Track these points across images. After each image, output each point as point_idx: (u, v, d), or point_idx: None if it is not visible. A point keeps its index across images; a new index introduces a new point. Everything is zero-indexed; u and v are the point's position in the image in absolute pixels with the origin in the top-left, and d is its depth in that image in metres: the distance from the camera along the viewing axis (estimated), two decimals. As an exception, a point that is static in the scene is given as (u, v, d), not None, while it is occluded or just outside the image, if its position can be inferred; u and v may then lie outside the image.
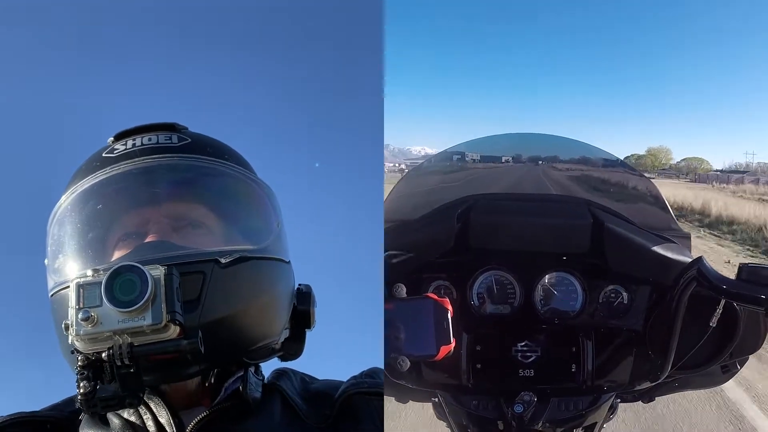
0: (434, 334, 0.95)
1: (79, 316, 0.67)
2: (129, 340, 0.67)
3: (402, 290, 0.95)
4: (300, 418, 0.84)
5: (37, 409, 0.85)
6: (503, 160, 1.60)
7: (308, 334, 0.93)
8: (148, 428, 0.77)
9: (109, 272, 0.68)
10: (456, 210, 1.16)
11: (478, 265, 1.15)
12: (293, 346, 0.91)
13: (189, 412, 0.79)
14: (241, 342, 0.80)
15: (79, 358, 0.68)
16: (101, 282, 0.68)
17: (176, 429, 0.77)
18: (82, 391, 0.67)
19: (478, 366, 1.12)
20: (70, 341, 0.69)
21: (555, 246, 1.14)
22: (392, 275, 1.06)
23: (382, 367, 0.94)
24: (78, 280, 0.69)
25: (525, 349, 1.13)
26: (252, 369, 0.85)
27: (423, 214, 1.22)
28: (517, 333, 1.14)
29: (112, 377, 0.68)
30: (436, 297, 0.96)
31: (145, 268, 0.68)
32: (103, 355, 0.67)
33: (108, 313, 0.67)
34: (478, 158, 1.59)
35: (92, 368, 0.68)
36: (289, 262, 0.90)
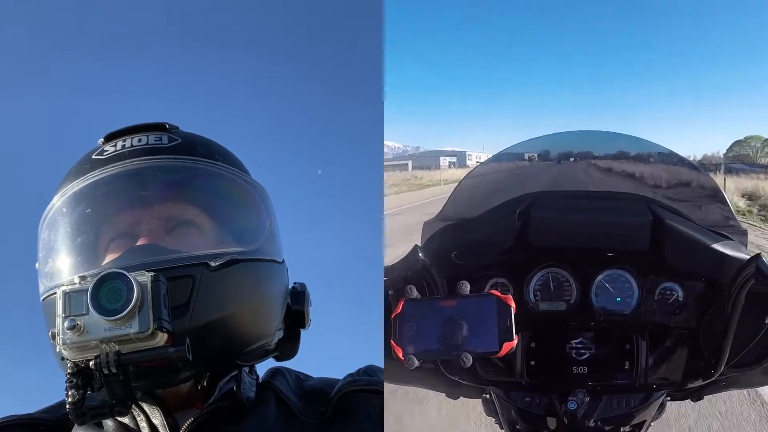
0: (497, 331, 0.94)
1: (65, 324, 0.66)
2: (116, 348, 0.67)
3: (466, 287, 0.95)
4: (295, 415, 0.83)
5: (31, 412, 0.85)
6: (526, 157, 1.56)
7: (307, 333, 0.93)
8: (142, 430, 0.77)
9: (94, 280, 0.68)
10: (517, 207, 1.16)
11: (536, 262, 1.14)
12: (288, 346, 0.91)
13: (183, 413, 0.79)
14: (232, 345, 0.80)
15: (68, 365, 0.68)
16: (87, 290, 0.67)
17: (170, 430, 0.76)
18: (70, 399, 0.67)
19: (533, 363, 1.12)
20: (57, 350, 0.68)
21: (614, 243, 1.14)
22: (455, 272, 1.05)
23: (381, 366, 0.94)
24: (64, 287, 0.69)
25: (579, 346, 1.13)
26: (246, 369, 0.85)
27: (482, 211, 1.22)
28: (572, 330, 1.13)
29: (100, 385, 0.68)
30: (499, 294, 0.95)
31: (131, 275, 0.68)
32: (91, 363, 0.67)
33: (94, 322, 0.67)
34: (497, 161, 1.53)
35: (81, 375, 0.68)
36: (282, 262, 0.89)
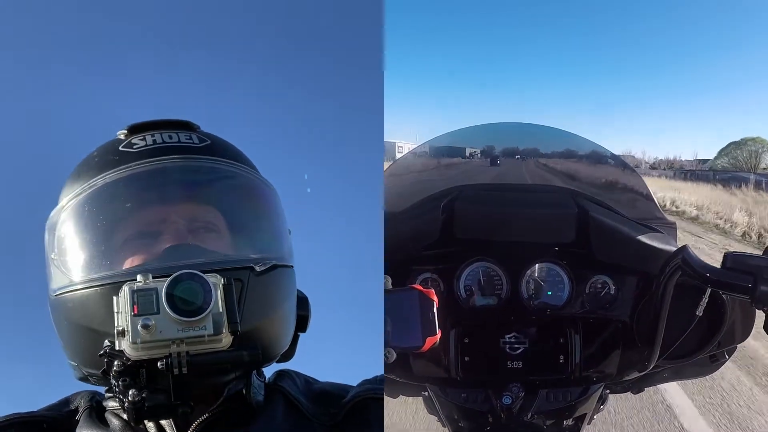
0: (420, 326, 0.94)
1: (140, 323, 0.65)
2: (185, 348, 0.67)
3: (388, 282, 0.95)
4: (304, 416, 0.83)
5: (34, 410, 0.83)
6: (467, 154, 1.55)
7: (307, 336, 0.93)
8: (149, 429, 0.77)
9: (169, 279, 0.67)
10: (441, 201, 1.16)
11: (465, 256, 1.15)
12: (288, 349, 0.91)
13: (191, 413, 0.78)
14: (268, 348, 0.80)
15: (116, 363, 0.67)
16: (156, 288, 0.67)
17: (178, 431, 0.76)
18: (131, 399, 0.66)
19: (467, 358, 1.12)
20: (121, 347, 0.67)
21: (541, 236, 1.15)
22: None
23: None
24: (131, 284, 0.68)
25: (513, 340, 1.13)
26: (254, 371, 0.85)
27: (409, 205, 1.22)
28: (505, 325, 1.14)
29: (143, 385, 0.67)
30: (421, 288, 0.96)
31: (206, 277, 0.68)
32: (159, 363, 0.66)
33: (167, 321, 0.66)
34: (427, 150, 1.48)
35: (128, 374, 0.67)
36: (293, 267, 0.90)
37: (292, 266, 0.86)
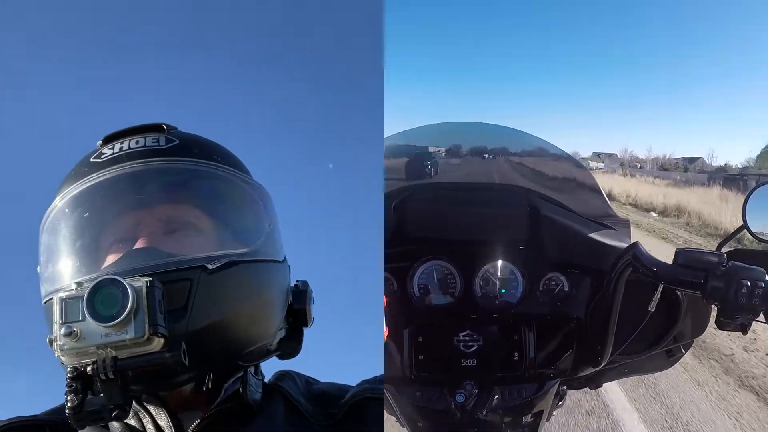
0: None
1: (62, 331, 0.67)
2: (113, 353, 0.68)
3: None
4: (305, 417, 0.83)
5: (37, 414, 0.84)
6: (429, 150, 1.53)
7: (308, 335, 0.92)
8: (148, 431, 0.77)
9: (90, 287, 0.68)
10: (393, 200, 1.16)
11: (418, 255, 1.15)
12: (290, 345, 0.90)
13: (188, 414, 0.79)
14: (232, 347, 0.79)
15: (68, 370, 0.68)
16: (83, 296, 0.68)
17: (175, 431, 0.76)
18: (69, 404, 0.68)
19: (421, 357, 1.12)
20: (55, 355, 0.69)
21: (493, 235, 1.15)
22: None
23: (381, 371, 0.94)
24: (61, 294, 0.69)
25: (467, 338, 1.14)
26: (251, 370, 0.85)
27: None
28: (459, 323, 1.14)
29: (100, 390, 0.68)
30: None
31: (126, 281, 0.68)
32: (88, 369, 0.67)
33: (91, 328, 0.67)
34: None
35: (81, 380, 0.68)
36: (283, 261, 0.89)
37: (268, 260, 0.84)
